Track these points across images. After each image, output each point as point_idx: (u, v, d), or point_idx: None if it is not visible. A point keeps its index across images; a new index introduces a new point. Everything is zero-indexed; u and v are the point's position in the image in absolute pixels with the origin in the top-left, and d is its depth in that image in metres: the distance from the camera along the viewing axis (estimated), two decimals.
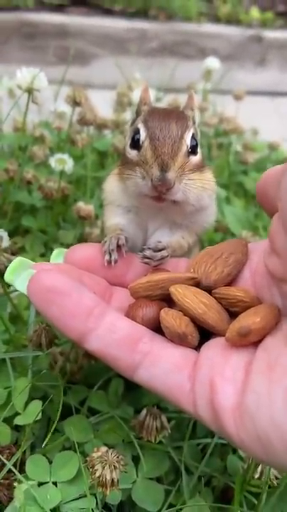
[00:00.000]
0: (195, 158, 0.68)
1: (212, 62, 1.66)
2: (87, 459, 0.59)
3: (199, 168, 0.69)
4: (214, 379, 0.51)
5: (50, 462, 0.66)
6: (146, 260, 0.67)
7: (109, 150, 1.35)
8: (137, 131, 0.68)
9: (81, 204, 1.07)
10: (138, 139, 0.67)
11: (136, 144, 0.68)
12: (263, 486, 0.66)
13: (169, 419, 0.69)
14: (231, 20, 2.89)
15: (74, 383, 0.77)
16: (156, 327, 0.60)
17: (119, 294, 0.68)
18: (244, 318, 0.54)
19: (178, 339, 0.57)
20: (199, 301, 0.58)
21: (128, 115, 1.47)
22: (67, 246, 1.06)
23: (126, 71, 1.73)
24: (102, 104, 1.57)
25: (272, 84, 2.75)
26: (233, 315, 0.59)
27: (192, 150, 0.68)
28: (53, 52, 2.52)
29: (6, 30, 2.56)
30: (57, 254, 0.71)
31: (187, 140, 0.67)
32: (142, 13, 2.81)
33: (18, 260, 0.64)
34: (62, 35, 2.59)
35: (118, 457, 0.58)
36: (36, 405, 0.70)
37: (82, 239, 1.07)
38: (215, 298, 0.60)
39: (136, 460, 0.69)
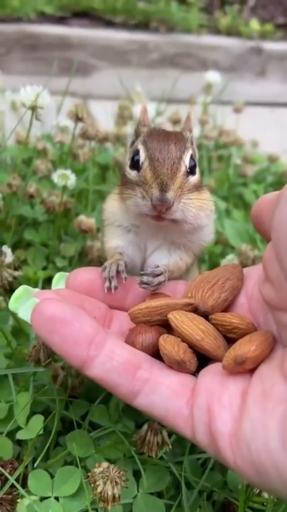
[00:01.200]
0: (194, 178, 0.70)
1: (213, 76, 1.68)
2: (89, 474, 0.59)
3: (198, 188, 0.71)
4: (212, 405, 0.53)
5: (52, 477, 0.67)
6: (144, 286, 0.68)
7: (111, 164, 1.37)
8: (137, 152, 0.69)
9: (82, 217, 1.08)
10: (138, 160, 0.69)
11: (135, 164, 0.69)
12: (269, 504, 0.66)
13: (170, 434, 0.70)
14: (232, 32, 2.92)
15: (76, 397, 0.78)
16: (155, 352, 0.61)
17: (119, 317, 0.70)
18: (239, 347, 0.55)
19: (177, 365, 0.59)
20: (197, 328, 0.59)
21: (129, 128, 1.48)
22: (69, 259, 1.09)
23: (127, 82, 1.75)
24: (103, 115, 1.59)
25: (272, 96, 2.77)
26: (230, 341, 0.60)
27: (191, 170, 0.69)
28: (55, 64, 2.54)
29: (8, 41, 2.59)
30: (59, 279, 0.72)
31: (186, 161, 0.68)
32: (143, 25, 2.84)
33: (21, 288, 0.65)
34: (63, 46, 2.62)
35: (119, 473, 0.58)
36: (38, 420, 0.71)
37: (84, 252, 1.08)
38: (212, 324, 0.61)
39: (136, 475, 0.70)
